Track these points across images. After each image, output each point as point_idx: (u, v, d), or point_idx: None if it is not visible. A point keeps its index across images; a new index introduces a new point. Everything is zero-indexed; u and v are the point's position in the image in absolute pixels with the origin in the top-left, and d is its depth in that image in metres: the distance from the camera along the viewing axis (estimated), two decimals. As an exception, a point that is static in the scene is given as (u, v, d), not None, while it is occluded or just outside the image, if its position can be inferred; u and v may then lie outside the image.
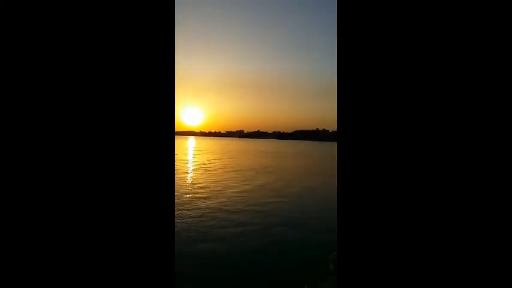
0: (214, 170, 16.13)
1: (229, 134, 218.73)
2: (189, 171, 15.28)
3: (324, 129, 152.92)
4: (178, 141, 63.58)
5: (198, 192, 9.69)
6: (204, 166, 18.22)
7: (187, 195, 9.15)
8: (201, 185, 11.19)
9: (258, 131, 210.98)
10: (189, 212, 7.17)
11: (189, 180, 12.21)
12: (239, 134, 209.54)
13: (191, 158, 24.17)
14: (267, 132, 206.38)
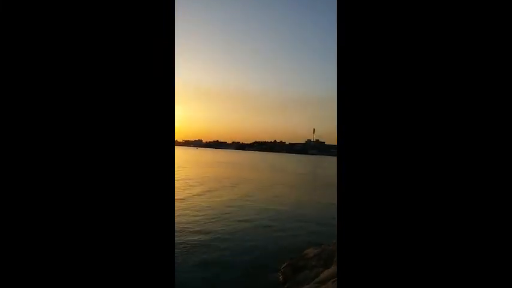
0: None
1: (187, 143, 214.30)
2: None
3: (280, 141, 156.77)
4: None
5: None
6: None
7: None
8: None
9: (217, 141, 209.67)
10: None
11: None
12: (197, 144, 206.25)
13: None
14: (226, 142, 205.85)
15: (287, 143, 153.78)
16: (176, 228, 6.24)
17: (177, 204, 8.47)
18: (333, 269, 4.03)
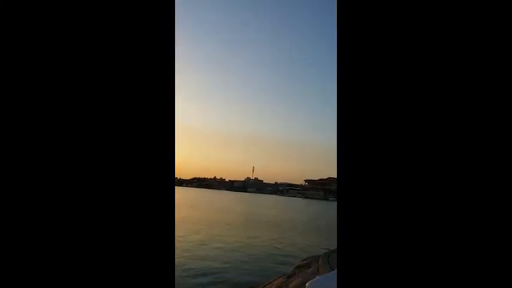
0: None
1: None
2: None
3: (221, 178, 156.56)
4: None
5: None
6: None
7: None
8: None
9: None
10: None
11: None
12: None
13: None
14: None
15: (227, 180, 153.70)
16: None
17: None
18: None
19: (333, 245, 9.21)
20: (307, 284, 2.79)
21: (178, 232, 11.94)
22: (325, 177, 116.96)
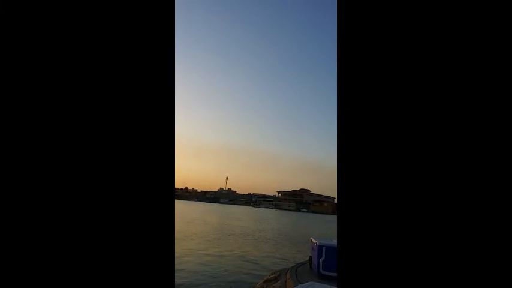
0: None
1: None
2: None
3: (192, 188, 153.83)
4: None
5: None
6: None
7: None
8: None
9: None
10: None
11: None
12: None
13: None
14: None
15: (199, 190, 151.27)
16: None
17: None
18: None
19: (304, 257, 9.18)
20: None
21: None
22: (298, 189, 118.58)
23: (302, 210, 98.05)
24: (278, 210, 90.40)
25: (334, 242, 6.28)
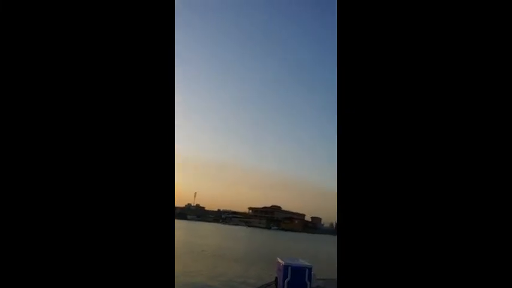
0: None
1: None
2: None
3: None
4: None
5: None
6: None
7: None
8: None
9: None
10: None
11: None
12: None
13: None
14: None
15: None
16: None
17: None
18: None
19: (273, 276, 8.95)
20: None
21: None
22: (269, 205, 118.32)
23: (273, 227, 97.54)
24: (248, 228, 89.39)
25: (300, 262, 6.12)
